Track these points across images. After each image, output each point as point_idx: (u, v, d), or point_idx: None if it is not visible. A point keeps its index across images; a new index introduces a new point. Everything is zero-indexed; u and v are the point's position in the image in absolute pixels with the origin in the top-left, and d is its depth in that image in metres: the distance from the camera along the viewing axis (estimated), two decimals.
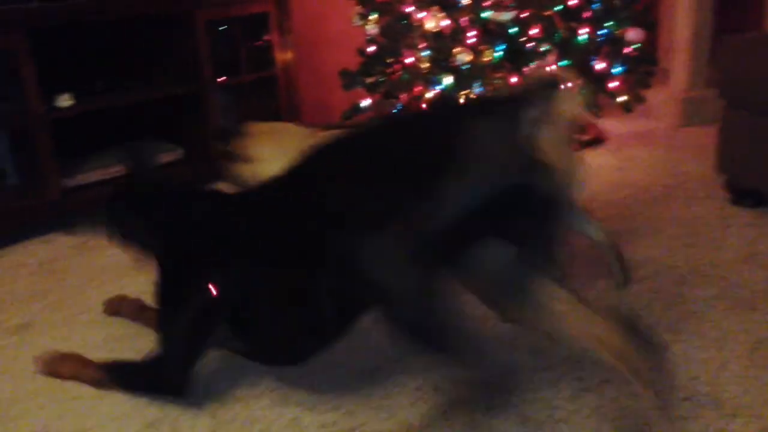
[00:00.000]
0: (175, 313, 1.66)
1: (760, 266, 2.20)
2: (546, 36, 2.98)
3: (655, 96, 3.77)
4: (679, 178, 2.97)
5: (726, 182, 2.72)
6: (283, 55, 3.51)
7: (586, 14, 3.04)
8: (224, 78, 3.34)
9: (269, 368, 1.79)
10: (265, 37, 3.50)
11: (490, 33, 2.98)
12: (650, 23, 3.20)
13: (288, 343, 1.64)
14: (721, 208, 2.64)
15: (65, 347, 1.95)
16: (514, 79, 2.99)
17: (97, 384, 1.78)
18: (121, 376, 1.76)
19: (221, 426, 1.63)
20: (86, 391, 1.78)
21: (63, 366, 1.85)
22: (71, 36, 3.01)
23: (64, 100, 2.86)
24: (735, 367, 1.72)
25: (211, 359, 1.82)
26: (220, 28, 3.37)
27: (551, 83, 1.46)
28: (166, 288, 1.69)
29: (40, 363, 1.87)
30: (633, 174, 3.06)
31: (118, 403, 1.73)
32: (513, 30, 2.97)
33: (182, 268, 1.67)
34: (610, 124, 3.68)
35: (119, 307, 2.14)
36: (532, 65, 2.97)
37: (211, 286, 1.59)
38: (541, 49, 2.97)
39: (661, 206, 2.70)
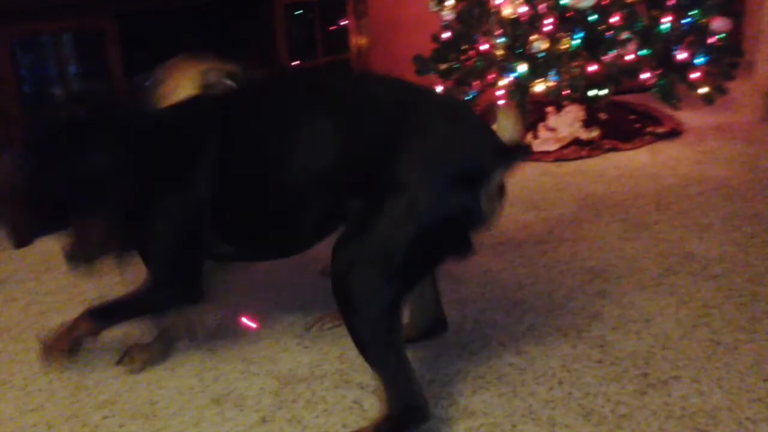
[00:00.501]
0: (157, 226, 1.68)
1: None
2: (627, 24, 2.92)
3: (737, 88, 3.64)
4: (759, 174, 2.87)
5: None
6: (358, 39, 3.53)
7: (670, 2, 2.96)
8: (299, 61, 3.38)
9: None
10: (341, 21, 3.52)
11: (569, 20, 2.93)
12: (736, 12, 3.09)
13: (276, 236, 1.68)
14: None
15: None
16: (592, 68, 2.93)
17: (96, 332, 1.79)
18: (114, 315, 1.79)
19: (285, 404, 1.66)
20: (159, 366, 1.84)
21: (57, 342, 1.81)
22: (154, 20, 3.09)
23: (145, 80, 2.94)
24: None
25: (276, 339, 1.87)
26: (297, 12, 3.42)
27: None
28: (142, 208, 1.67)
29: (41, 354, 1.84)
30: (711, 168, 2.97)
31: (186, 377, 1.79)
32: (592, 17, 2.92)
33: (157, 178, 1.67)
34: (689, 116, 3.58)
35: None
36: (612, 53, 2.91)
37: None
38: (622, 37, 2.91)
39: (738, 202, 2.62)
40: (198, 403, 1.69)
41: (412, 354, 1.57)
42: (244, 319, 2.00)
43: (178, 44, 3.31)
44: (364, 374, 1.73)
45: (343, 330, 1.56)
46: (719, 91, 3.08)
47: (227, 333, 1.97)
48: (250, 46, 3.35)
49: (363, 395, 1.68)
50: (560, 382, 1.67)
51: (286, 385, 1.74)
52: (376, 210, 1.44)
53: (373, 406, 1.63)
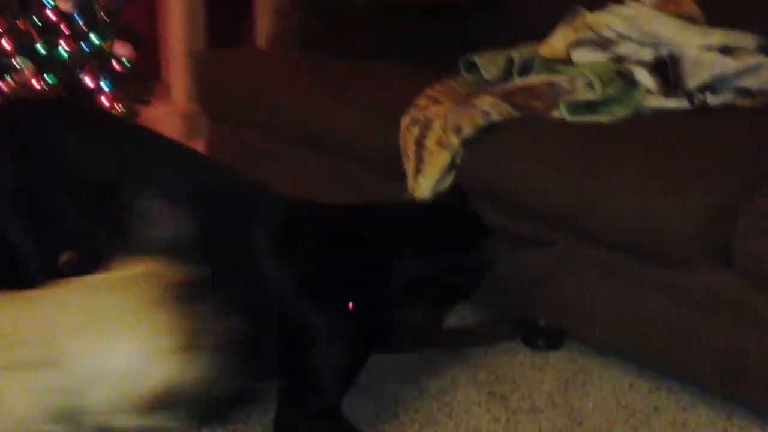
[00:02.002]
0: None
1: None
2: (21, 50, 2.78)
3: (158, 111, 3.77)
4: None
5: None
6: None
7: (65, 28, 2.89)
8: None
9: None
10: None
11: None
12: (137, 38, 3.17)
13: None
14: None
15: None
16: None
17: None
18: None
19: None
20: None
21: None
22: None
23: None
24: None
25: None
26: None
27: None
28: None
29: None
30: None
31: None
32: None
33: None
34: None
35: None
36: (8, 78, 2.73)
37: None
38: (17, 63, 2.76)
39: None
40: None
41: None
42: None
43: None
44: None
45: None
46: (131, 114, 3.12)
47: None
48: None
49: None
50: None
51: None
52: None
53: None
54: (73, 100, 2.53)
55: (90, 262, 1.59)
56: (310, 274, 1.49)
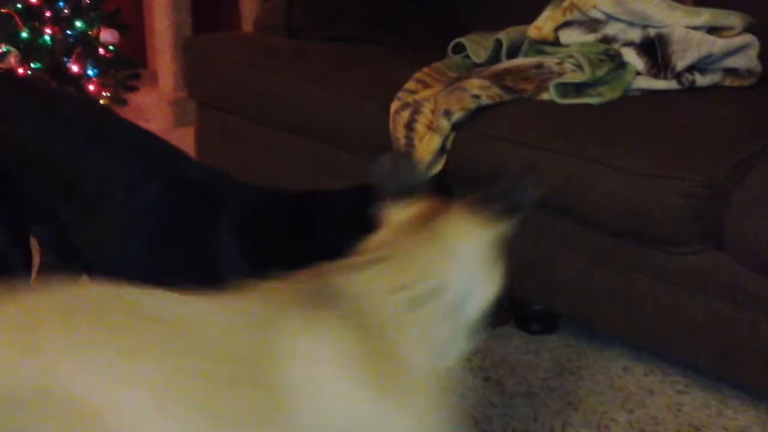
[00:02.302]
0: None
1: None
2: (5, 36, 2.74)
3: (145, 98, 3.74)
4: None
5: None
6: None
7: (48, 13, 2.85)
8: None
9: None
10: None
11: None
12: (122, 25, 3.13)
13: None
14: None
15: None
16: None
17: None
18: None
19: None
20: None
21: None
22: None
23: None
24: None
25: None
26: None
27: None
28: None
29: None
30: None
31: None
32: None
33: None
34: None
35: None
36: None
37: None
38: (1, 49, 2.72)
39: None
40: None
41: None
42: None
43: None
44: None
45: None
46: (119, 101, 3.10)
47: None
48: None
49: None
50: None
51: None
52: None
53: None
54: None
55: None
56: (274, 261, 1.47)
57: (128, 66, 3.15)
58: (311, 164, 2.32)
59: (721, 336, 1.57)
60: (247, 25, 3.77)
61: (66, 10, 2.93)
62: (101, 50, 3.02)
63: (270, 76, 2.34)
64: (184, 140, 3.41)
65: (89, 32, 3.00)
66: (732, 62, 1.89)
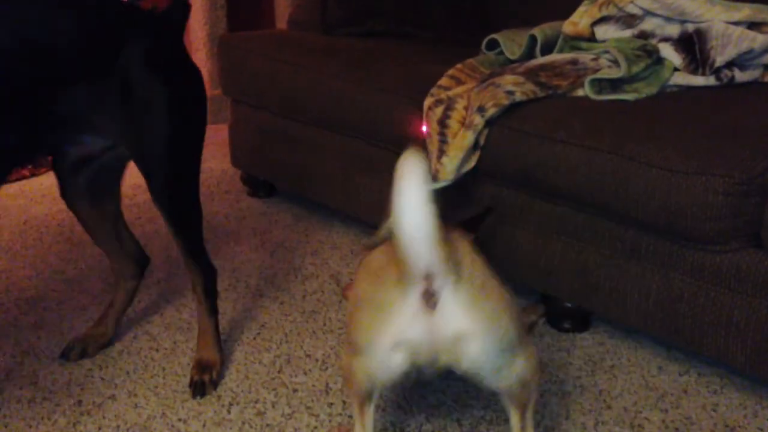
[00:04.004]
0: None
1: (269, 253, 2.31)
2: None
3: None
4: (203, 176, 2.98)
5: (242, 176, 2.82)
6: None
7: None
8: None
9: None
10: None
11: None
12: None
13: None
14: (238, 201, 2.73)
15: None
16: None
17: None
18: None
19: None
20: None
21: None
22: None
23: None
24: (239, 356, 1.77)
25: None
26: None
27: None
28: None
29: None
30: None
31: None
32: None
33: None
34: None
35: None
36: None
37: None
38: None
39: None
40: None
41: None
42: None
43: None
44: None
45: None
46: None
47: None
48: None
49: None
50: None
51: None
52: None
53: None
54: None
55: None
56: None
57: None
58: (344, 160, 2.33)
59: (759, 336, 1.54)
60: (281, 23, 3.80)
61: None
62: None
63: (303, 72, 2.35)
64: (219, 137, 3.45)
65: None
66: None
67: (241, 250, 2.33)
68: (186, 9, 1.71)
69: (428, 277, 1.11)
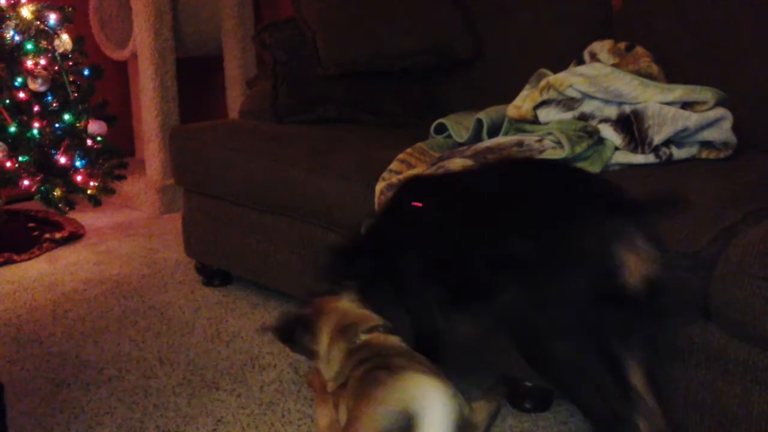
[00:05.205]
0: None
1: (225, 344, 2.27)
2: None
3: (133, 186, 3.78)
4: (156, 267, 2.97)
5: (196, 265, 2.80)
6: None
7: (37, 108, 2.91)
8: None
9: None
10: None
11: None
12: (110, 117, 3.19)
13: None
14: (193, 291, 2.70)
15: None
16: None
17: None
18: None
19: None
20: None
21: None
22: None
23: None
24: None
25: None
26: None
27: None
28: None
29: None
30: (110, 267, 2.97)
31: None
32: None
33: None
34: (91, 218, 3.57)
35: None
36: None
37: None
38: None
39: (135, 298, 2.65)
40: None
41: None
42: None
43: None
44: None
45: None
46: (106, 191, 3.13)
47: None
48: None
49: None
50: None
51: None
52: None
53: None
54: None
55: None
56: None
57: (116, 156, 3.20)
58: (300, 246, 2.33)
59: (716, 408, 1.55)
60: (233, 114, 3.84)
61: (54, 104, 3.00)
62: (89, 141, 3.07)
63: (257, 160, 2.37)
64: (171, 227, 3.43)
65: (77, 125, 3.05)
66: (707, 135, 1.93)
67: (197, 342, 2.29)
68: None
69: None
